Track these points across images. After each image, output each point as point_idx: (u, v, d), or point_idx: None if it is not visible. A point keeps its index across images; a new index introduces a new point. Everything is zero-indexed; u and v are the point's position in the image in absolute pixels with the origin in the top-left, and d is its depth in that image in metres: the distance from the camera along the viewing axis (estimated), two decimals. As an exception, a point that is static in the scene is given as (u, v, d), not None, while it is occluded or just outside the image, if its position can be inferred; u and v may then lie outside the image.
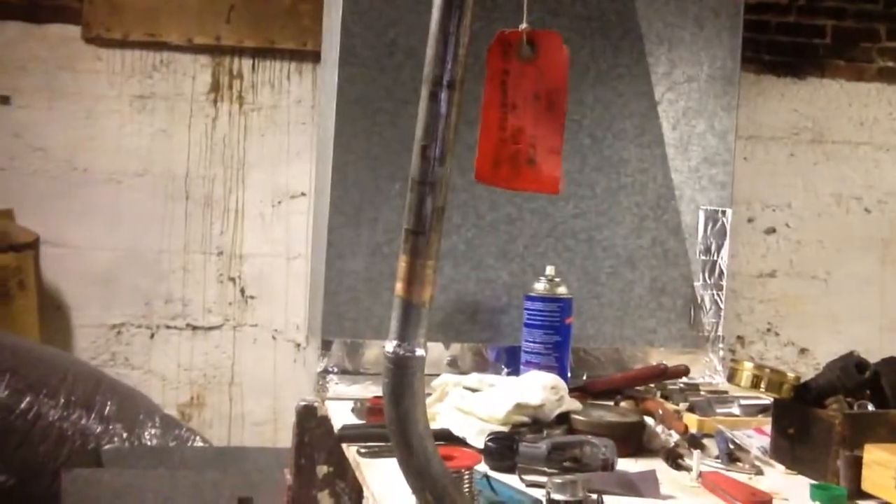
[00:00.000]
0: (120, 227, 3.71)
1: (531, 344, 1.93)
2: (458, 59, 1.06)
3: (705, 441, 1.64)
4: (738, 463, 1.54)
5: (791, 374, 1.58)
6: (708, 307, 2.27)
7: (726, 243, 2.29)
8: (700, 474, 1.44)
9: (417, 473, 1.07)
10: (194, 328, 3.77)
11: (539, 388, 1.66)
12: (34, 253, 3.48)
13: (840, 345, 3.69)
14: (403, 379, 1.06)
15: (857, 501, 1.35)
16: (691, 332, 2.26)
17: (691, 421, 1.76)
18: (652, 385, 2.04)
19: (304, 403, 1.93)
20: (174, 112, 3.75)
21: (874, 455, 1.35)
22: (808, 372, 2.44)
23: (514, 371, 2.01)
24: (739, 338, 4.21)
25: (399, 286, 1.07)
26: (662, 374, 2.02)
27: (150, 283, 3.73)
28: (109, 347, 3.71)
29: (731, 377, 1.66)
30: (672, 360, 2.13)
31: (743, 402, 1.89)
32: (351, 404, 1.84)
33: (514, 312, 2.09)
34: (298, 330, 3.83)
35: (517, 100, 1.49)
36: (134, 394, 3.22)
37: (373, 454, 1.52)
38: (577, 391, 1.91)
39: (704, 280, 2.27)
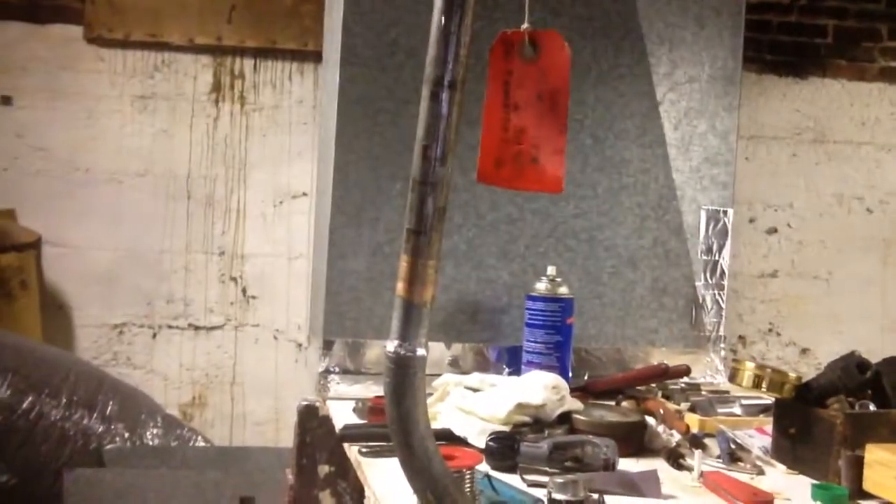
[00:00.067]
0: (122, 227, 3.71)
1: (532, 344, 1.93)
2: (460, 60, 1.06)
3: (707, 441, 1.64)
4: (740, 463, 1.54)
5: (792, 374, 1.58)
6: (709, 307, 2.27)
7: (728, 243, 2.29)
8: (701, 474, 1.44)
9: (419, 473, 1.07)
10: (196, 328, 3.77)
11: (540, 387, 1.66)
12: (36, 253, 3.48)
13: (841, 345, 3.69)
14: (405, 379, 1.06)
15: (859, 501, 1.35)
16: (693, 332, 2.26)
17: (693, 421, 1.76)
18: (653, 385, 2.04)
19: (305, 403, 1.93)
20: (176, 112, 3.75)
21: (875, 455, 1.35)
22: (809, 372, 2.44)
23: (516, 371, 2.01)
24: (741, 338, 4.21)
25: (400, 286, 1.07)
26: (664, 374, 2.02)
27: (152, 283, 3.73)
28: (111, 347, 3.71)
29: (733, 377, 1.66)
30: (673, 360, 2.13)
31: (744, 401, 1.89)
32: (352, 404, 1.84)
33: (516, 312, 2.09)
34: (300, 330, 3.83)
35: (520, 100, 1.49)
36: (136, 393, 3.22)
37: (374, 454, 1.52)
38: (579, 391, 1.92)
39: (706, 280, 2.27)
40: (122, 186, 3.71)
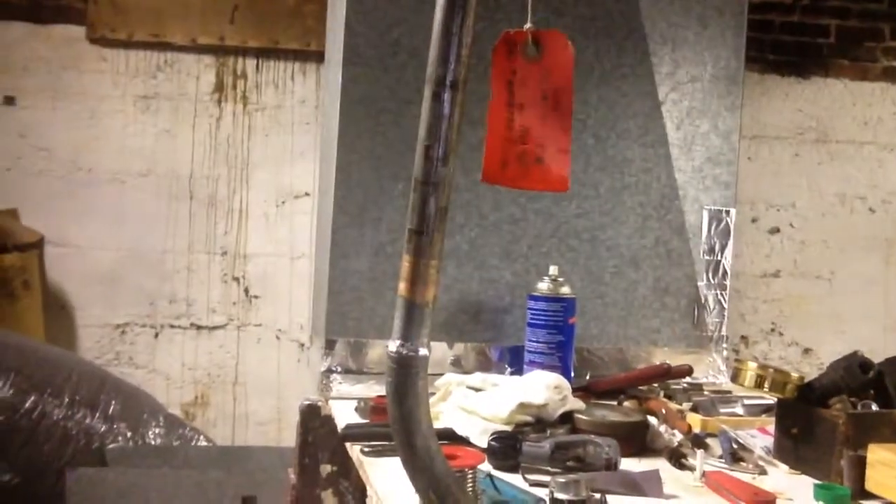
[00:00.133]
0: (124, 227, 3.71)
1: (534, 343, 1.93)
2: (462, 59, 1.06)
3: (709, 441, 1.64)
4: (742, 463, 1.54)
5: (795, 374, 1.58)
6: (711, 307, 2.27)
7: (730, 243, 2.29)
8: (703, 474, 1.44)
9: (421, 472, 1.07)
10: (198, 328, 3.77)
11: (542, 387, 1.66)
12: (39, 253, 3.48)
13: (844, 345, 3.68)
14: (407, 378, 1.06)
15: (861, 501, 1.35)
16: (695, 332, 2.26)
17: (695, 421, 1.76)
18: (655, 385, 2.04)
19: (307, 403, 1.93)
20: (178, 112, 3.75)
21: (878, 455, 1.35)
22: (811, 372, 2.44)
23: (518, 371, 2.01)
24: (743, 338, 4.20)
25: (402, 286, 1.07)
26: (666, 374, 2.02)
27: (155, 283, 3.74)
28: (114, 347, 3.72)
29: (735, 377, 1.66)
30: (675, 360, 2.13)
31: (746, 401, 1.89)
32: (354, 404, 1.84)
33: (518, 312, 2.09)
34: (302, 329, 3.83)
35: (524, 99, 1.49)
36: (138, 393, 3.22)
37: (376, 453, 1.52)
38: (581, 391, 1.91)
39: (708, 280, 2.27)
40: (125, 186, 3.72)
